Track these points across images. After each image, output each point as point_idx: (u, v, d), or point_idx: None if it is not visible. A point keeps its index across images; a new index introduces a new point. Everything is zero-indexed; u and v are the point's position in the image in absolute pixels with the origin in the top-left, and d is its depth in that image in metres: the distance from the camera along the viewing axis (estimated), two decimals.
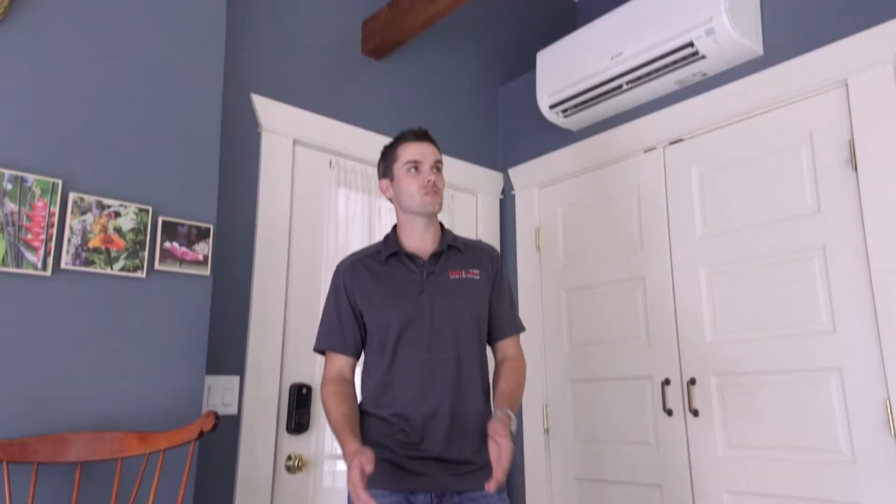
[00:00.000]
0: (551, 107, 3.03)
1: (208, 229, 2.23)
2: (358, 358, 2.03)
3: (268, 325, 2.56)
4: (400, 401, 1.89)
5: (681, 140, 2.75)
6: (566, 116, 3.04)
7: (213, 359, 2.36)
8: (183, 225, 2.17)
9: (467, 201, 3.35)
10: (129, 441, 1.84)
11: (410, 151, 2.03)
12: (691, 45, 2.49)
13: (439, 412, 1.87)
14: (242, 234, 2.56)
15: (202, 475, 2.25)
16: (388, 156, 2.09)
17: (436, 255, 2.02)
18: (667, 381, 2.62)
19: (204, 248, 2.21)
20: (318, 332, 2.04)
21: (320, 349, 2.03)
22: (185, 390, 2.11)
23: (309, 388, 2.61)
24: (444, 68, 3.37)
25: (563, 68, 2.94)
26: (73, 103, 2.05)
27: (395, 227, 2.11)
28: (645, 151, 2.87)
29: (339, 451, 2.59)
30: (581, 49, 2.87)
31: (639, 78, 2.71)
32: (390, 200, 2.10)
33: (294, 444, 2.56)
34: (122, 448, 1.83)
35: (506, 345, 2.08)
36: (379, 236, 2.90)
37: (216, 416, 1.90)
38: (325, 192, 2.84)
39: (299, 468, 2.54)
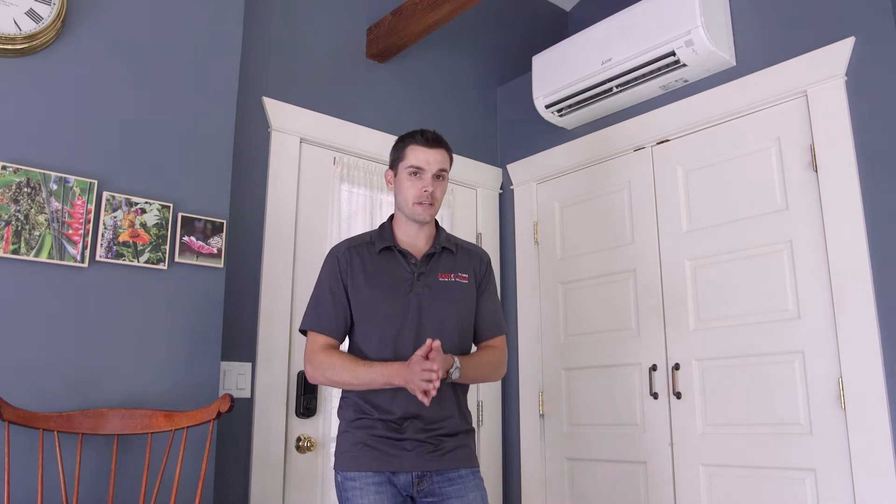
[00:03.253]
0: (547, 106, 3.15)
1: (222, 224, 2.36)
2: (341, 343, 2.05)
3: (276, 314, 2.69)
4: (381, 394, 1.94)
5: (667, 140, 2.90)
6: (561, 116, 3.18)
7: (227, 346, 2.51)
8: (199, 220, 2.31)
9: (467, 195, 3.46)
10: (157, 418, 2.01)
11: (416, 156, 2.02)
12: (673, 53, 2.66)
13: (420, 410, 1.92)
14: (252, 229, 2.70)
15: (221, 452, 2.41)
16: (397, 149, 2.08)
17: (428, 256, 2.06)
18: (654, 367, 2.78)
19: (218, 242, 2.33)
20: (308, 311, 2.04)
21: (309, 328, 2.02)
22: (203, 374, 2.27)
23: None
24: (445, 70, 3.50)
25: (557, 71, 3.08)
26: (106, 112, 2.22)
27: (391, 217, 2.13)
28: (634, 150, 3.01)
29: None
30: (574, 54, 3.01)
31: (627, 82, 2.87)
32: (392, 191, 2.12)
33: (303, 427, 2.70)
34: (151, 424, 2.00)
35: (489, 343, 2.13)
36: None
37: (232, 398, 2.04)
38: (329, 187, 2.95)
39: (309, 448, 2.69)
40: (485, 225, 3.48)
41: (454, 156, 3.28)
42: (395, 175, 2.08)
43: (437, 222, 2.15)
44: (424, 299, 1.99)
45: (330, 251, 2.11)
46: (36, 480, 1.88)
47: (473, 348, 2.15)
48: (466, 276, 2.08)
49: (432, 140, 2.04)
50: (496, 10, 3.77)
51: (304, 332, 2.06)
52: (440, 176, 2.04)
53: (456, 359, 1.94)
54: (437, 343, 1.83)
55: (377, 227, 2.14)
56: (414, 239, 2.08)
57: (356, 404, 1.99)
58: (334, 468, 2.00)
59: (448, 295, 2.03)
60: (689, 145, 2.82)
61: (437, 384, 1.79)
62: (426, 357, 1.82)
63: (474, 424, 2.22)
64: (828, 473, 2.27)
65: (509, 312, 3.39)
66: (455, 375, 1.92)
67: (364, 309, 2.00)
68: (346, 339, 2.08)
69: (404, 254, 2.04)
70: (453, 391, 2.01)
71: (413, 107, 3.33)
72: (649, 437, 2.77)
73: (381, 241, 2.06)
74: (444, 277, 2.04)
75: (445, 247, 2.09)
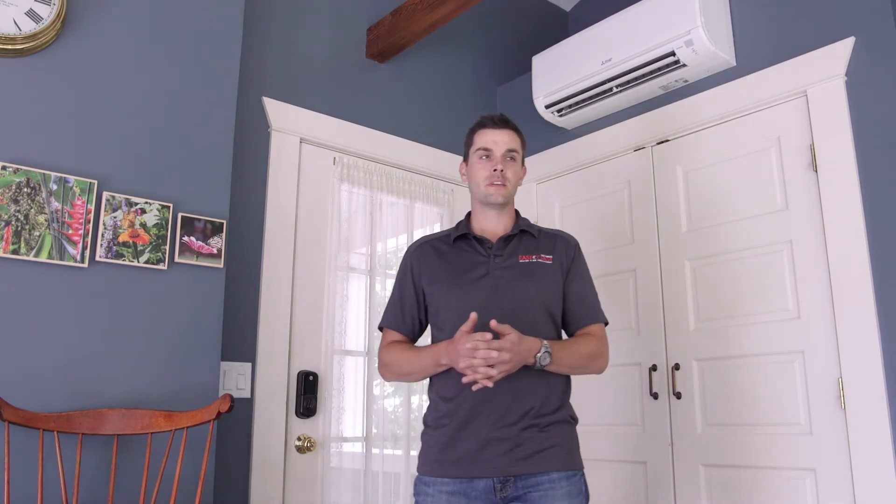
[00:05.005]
0: (547, 107, 3.16)
1: (222, 224, 2.36)
2: (415, 340, 2.01)
3: (276, 314, 2.69)
4: (449, 386, 1.84)
5: (667, 140, 2.90)
6: (561, 116, 3.18)
7: (227, 346, 2.51)
8: (199, 220, 2.31)
9: (467, 196, 3.40)
10: (157, 418, 2.01)
11: (483, 138, 1.98)
12: (673, 54, 2.66)
13: (498, 398, 1.79)
14: (252, 229, 2.70)
15: (221, 453, 2.41)
16: (466, 139, 2.05)
17: (506, 239, 1.96)
18: (654, 367, 2.77)
19: (218, 242, 2.33)
20: (385, 310, 2.05)
21: (380, 326, 2.03)
22: (203, 374, 2.27)
23: (315, 376, 2.74)
24: (445, 70, 3.50)
25: (557, 71, 3.08)
26: (107, 112, 2.22)
27: (468, 213, 2.08)
28: (634, 150, 3.01)
29: (345, 434, 2.78)
30: (574, 54, 3.01)
31: (627, 82, 2.87)
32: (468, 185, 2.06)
33: (303, 427, 2.70)
34: (151, 424, 2.00)
35: (585, 331, 1.97)
36: (380, 230, 3.06)
37: (232, 398, 2.03)
38: (329, 187, 2.95)
39: (308, 449, 2.69)
40: None
41: (453, 156, 3.38)
42: (468, 165, 2.04)
43: (517, 212, 2.08)
44: (502, 281, 1.89)
45: (406, 249, 2.08)
46: (36, 480, 1.88)
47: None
48: (550, 257, 1.95)
49: (499, 121, 2.00)
50: (496, 10, 3.77)
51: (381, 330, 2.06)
52: (511, 157, 1.98)
53: (544, 342, 1.78)
54: (493, 323, 1.69)
55: (454, 225, 2.10)
56: (491, 226, 2.00)
57: (435, 403, 1.92)
58: (416, 470, 1.92)
59: (530, 275, 1.91)
60: (689, 145, 2.82)
61: (493, 363, 1.67)
62: (470, 331, 1.71)
63: None
64: (828, 473, 2.27)
65: None
66: (544, 361, 1.77)
67: (438, 298, 1.94)
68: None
69: (479, 240, 1.97)
70: (544, 380, 1.85)
71: (413, 107, 3.33)
72: (649, 436, 2.76)
73: (456, 231, 2.02)
74: (526, 258, 1.94)
75: (525, 230, 2.00)
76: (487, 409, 1.80)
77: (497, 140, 1.96)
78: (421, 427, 1.99)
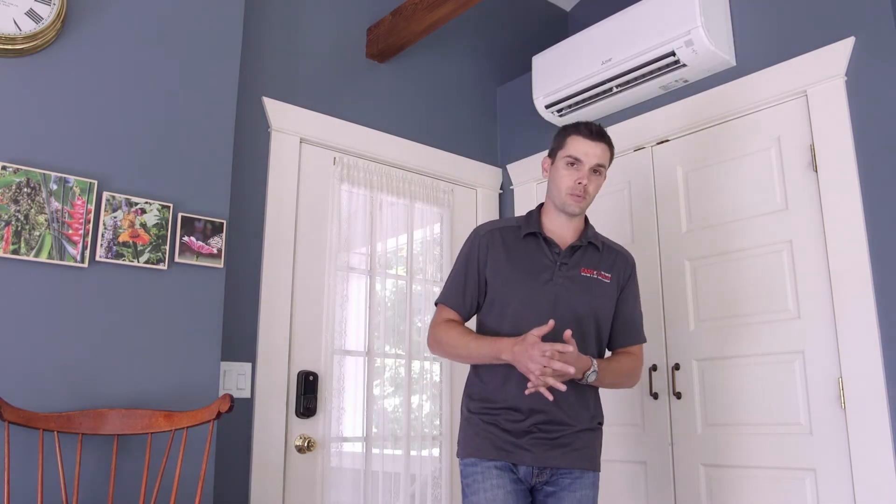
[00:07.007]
0: (547, 107, 3.16)
1: (222, 224, 2.36)
2: (468, 319, 2.08)
3: (276, 315, 2.69)
4: (497, 382, 1.95)
5: (667, 140, 2.90)
6: (561, 116, 3.17)
7: (227, 346, 2.51)
8: (199, 220, 2.31)
9: (467, 195, 3.47)
10: (157, 418, 2.01)
11: (576, 147, 1.99)
12: (673, 54, 2.66)
13: (543, 405, 1.91)
14: (252, 229, 2.71)
15: (221, 452, 2.41)
16: (558, 138, 2.07)
17: (573, 248, 2.02)
18: (654, 367, 2.77)
19: (218, 242, 2.33)
20: (444, 286, 2.11)
21: (438, 302, 2.10)
22: (203, 374, 2.27)
23: (315, 376, 2.74)
24: (444, 70, 3.50)
25: (557, 71, 3.08)
26: (107, 112, 2.22)
27: (540, 205, 2.12)
28: (634, 150, 3.01)
29: (345, 434, 2.78)
30: (574, 54, 3.02)
31: (627, 82, 2.87)
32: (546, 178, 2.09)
33: (303, 427, 2.71)
34: (151, 424, 2.00)
35: (627, 350, 2.10)
36: (380, 230, 3.06)
37: (232, 398, 2.03)
38: (329, 187, 2.95)
39: (309, 448, 2.69)
40: None
41: (453, 156, 3.38)
42: (553, 163, 2.06)
43: (586, 218, 2.12)
44: (563, 290, 1.96)
45: (473, 230, 2.12)
46: (36, 480, 1.88)
47: (607, 353, 2.13)
48: (610, 276, 2.03)
49: (595, 133, 2.01)
50: (496, 11, 3.77)
51: (437, 304, 2.13)
52: (597, 171, 2.01)
53: (594, 361, 1.90)
54: (568, 333, 1.79)
55: (524, 214, 2.12)
56: (561, 230, 2.04)
57: (481, 392, 2.00)
58: (457, 455, 2.02)
59: (589, 291, 1.99)
60: (689, 145, 2.82)
61: (557, 374, 1.76)
62: (541, 337, 1.79)
63: None
64: (828, 473, 2.27)
65: None
66: (591, 379, 1.90)
67: (500, 289, 2.00)
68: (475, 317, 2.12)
69: (549, 242, 2.02)
70: (583, 392, 1.99)
71: (413, 107, 3.33)
72: (649, 436, 2.76)
73: (527, 226, 2.05)
74: (588, 273, 2.00)
75: (592, 242, 2.06)
76: (535, 407, 1.91)
77: (589, 152, 1.98)
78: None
